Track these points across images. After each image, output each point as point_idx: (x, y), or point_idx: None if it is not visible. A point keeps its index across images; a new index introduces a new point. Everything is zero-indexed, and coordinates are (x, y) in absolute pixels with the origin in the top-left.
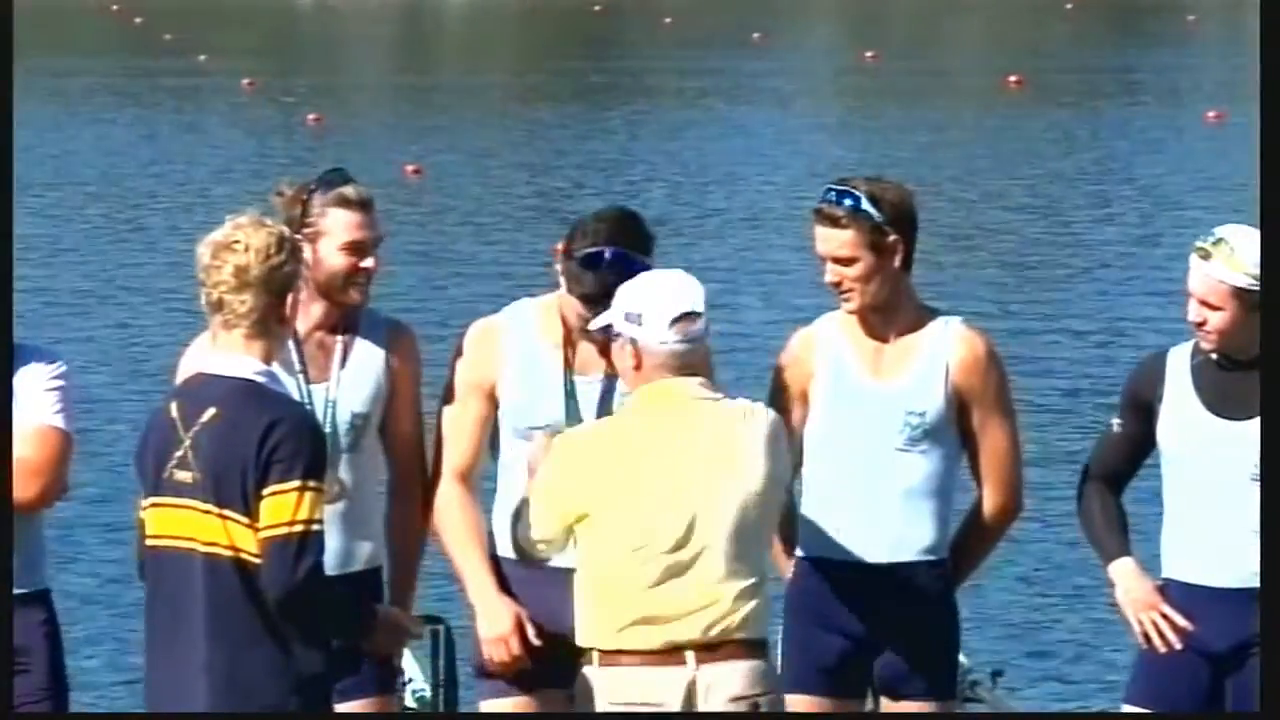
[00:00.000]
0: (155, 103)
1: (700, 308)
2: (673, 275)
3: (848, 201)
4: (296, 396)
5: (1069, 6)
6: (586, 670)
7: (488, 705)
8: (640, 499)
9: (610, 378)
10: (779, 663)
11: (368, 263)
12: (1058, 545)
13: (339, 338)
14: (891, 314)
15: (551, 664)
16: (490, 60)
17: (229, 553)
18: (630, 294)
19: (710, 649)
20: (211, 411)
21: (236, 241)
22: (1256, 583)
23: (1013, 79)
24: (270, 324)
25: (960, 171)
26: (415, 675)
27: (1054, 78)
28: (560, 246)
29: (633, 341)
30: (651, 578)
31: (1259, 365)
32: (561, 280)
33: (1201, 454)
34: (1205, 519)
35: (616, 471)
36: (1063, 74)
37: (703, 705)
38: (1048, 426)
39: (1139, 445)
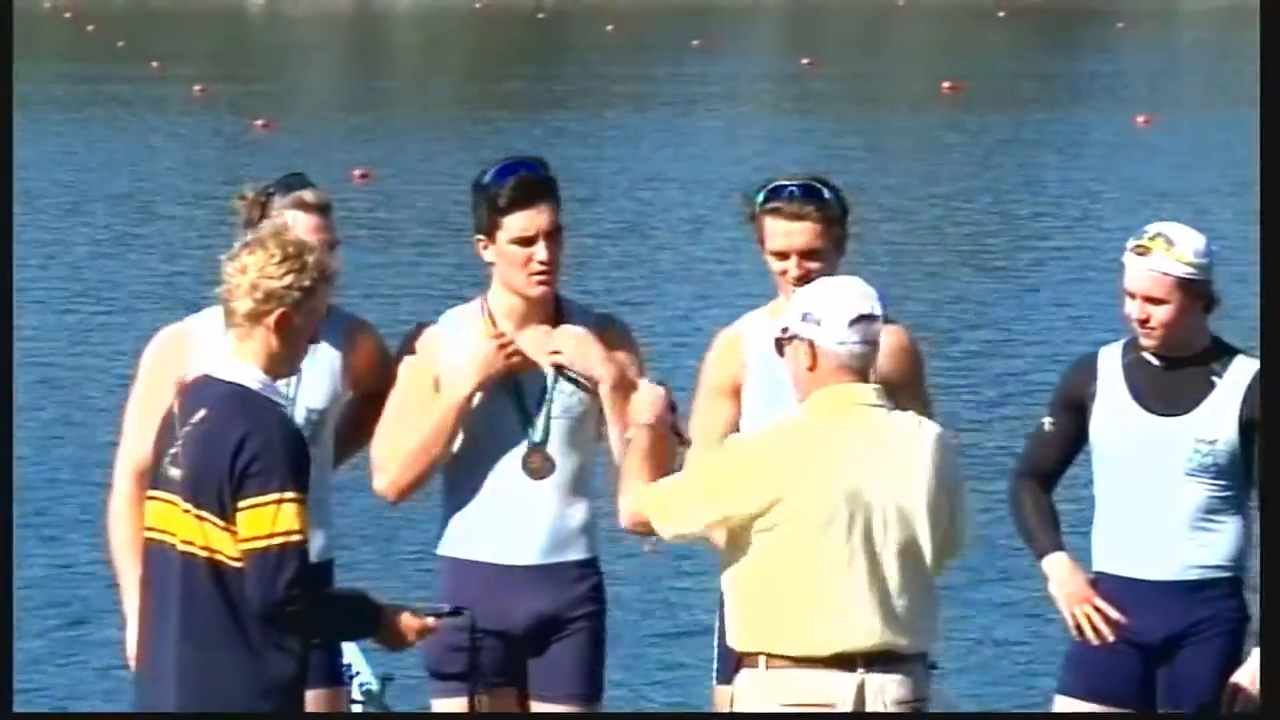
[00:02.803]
0: (106, 109)
1: (879, 311)
2: (850, 280)
3: (810, 193)
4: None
5: (1001, 15)
6: (752, 672)
7: (438, 704)
8: (819, 506)
9: (555, 369)
10: (714, 653)
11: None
12: (988, 538)
13: None
14: None
15: (500, 662)
16: (437, 66)
17: (204, 553)
18: (808, 296)
19: (875, 655)
20: (202, 413)
21: (247, 246)
22: (1187, 575)
23: (947, 85)
24: (258, 329)
25: (895, 175)
26: (362, 669)
27: (988, 83)
28: (479, 233)
29: (810, 343)
30: (827, 585)
31: (1190, 362)
32: (493, 259)
33: (1134, 450)
34: (1137, 513)
35: (795, 477)
36: (996, 80)
37: (871, 707)
38: (977, 425)
39: (1070, 443)
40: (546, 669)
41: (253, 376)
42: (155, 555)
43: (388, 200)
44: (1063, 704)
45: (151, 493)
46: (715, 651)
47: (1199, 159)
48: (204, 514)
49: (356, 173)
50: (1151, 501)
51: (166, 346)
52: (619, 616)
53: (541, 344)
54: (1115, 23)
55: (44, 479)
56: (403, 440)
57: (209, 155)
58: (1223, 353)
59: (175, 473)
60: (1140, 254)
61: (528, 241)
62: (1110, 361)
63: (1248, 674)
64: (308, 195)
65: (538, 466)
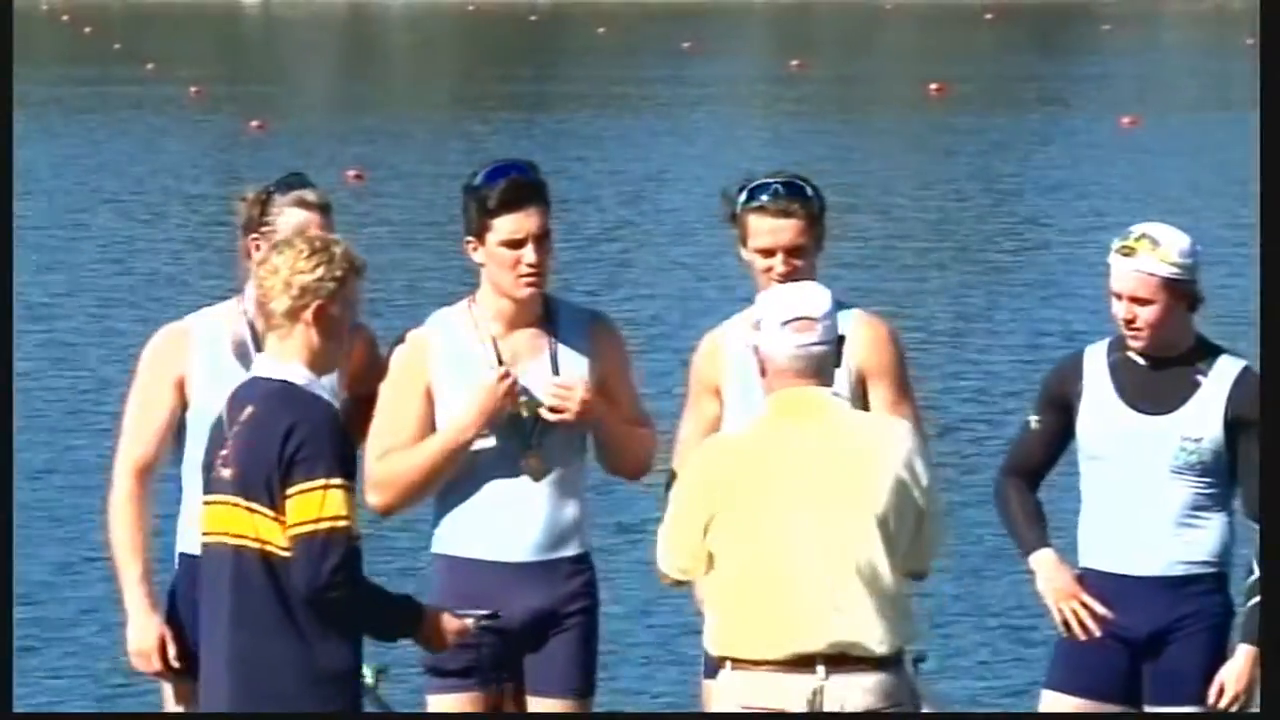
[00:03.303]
0: (104, 110)
1: (816, 314)
2: (799, 285)
3: (795, 190)
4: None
5: (988, 17)
6: (721, 674)
7: (434, 700)
8: (770, 508)
9: (553, 363)
10: (702, 649)
11: None
12: (975, 533)
13: None
14: None
15: (497, 658)
16: (430, 67)
17: (255, 545)
18: (759, 299)
19: (840, 660)
20: (249, 411)
21: (276, 247)
22: (1172, 571)
23: (934, 87)
24: (296, 326)
25: (882, 176)
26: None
27: (974, 86)
28: (469, 235)
29: (756, 349)
30: (781, 587)
31: (1176, 361)
32: (483, 261)
33: (1120, 448)
34: (1124, 510)
35: (746, 479)
36: (983, 82)
37: (830, 710)
38: (964, 423)
39: (1056, 440)
40: (543, 664)
41: (296, 373)
42: (212, 557)
43: (381, 200)
44: (1049, 699)
45: (207, 498)
46: (704, 648)
47: (1184, 159)
48: (254, 506)
49: (350, 173)
50: (1137, 499)
51: (164, 346)
52: (615, 612)
53: (534, 346)
54: (1100, 25)
55: (43, 478)
56: (400, 462)
57: (205, 156)
58: (1207, 352)
59: (226, 473)
60: (1126, 255)
61: (517, 244)
62: (1096, 361)
63: (1233, 669)
64: (308, 194)
65: (536, 468)
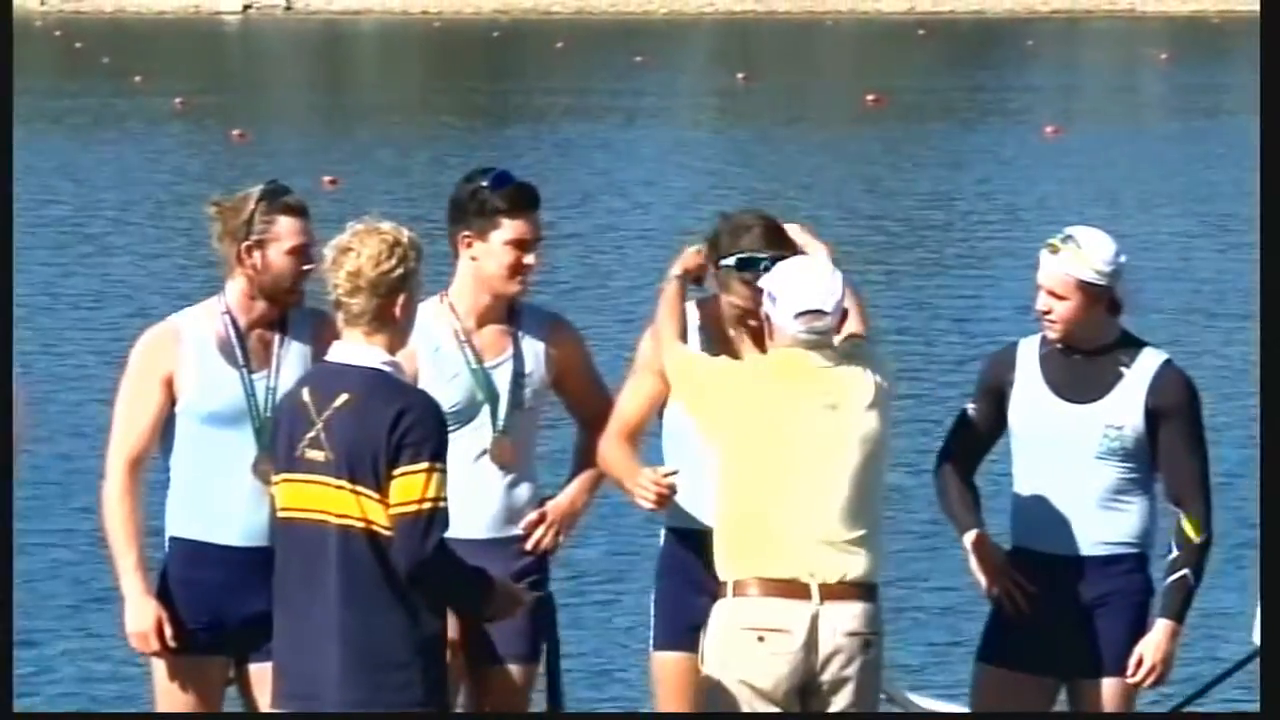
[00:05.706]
0: (94, 121)
1: (828, 307)
2: (816, 269)
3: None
4: (241, 387)
5: (921, 33)
6: (722, 601)
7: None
8: (765, 444)
9: (517, 358)
10: (650, 622)
11: (310, 264)
12: (919, 517)
13: (276, 333)
14: None
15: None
16: (399, 80)
17: (361, 524)
18: (778, 272)
19: (831, 587)
20: (344, 397)
21: (350, 248)
22: (1097, 551)
23: (872, 98)
24: (386, 320)
25: (822, 184)
26: None
27: (909, 97)
28: (468, 231)
29: (767, 316)
30: (773, 516)
31: (1101, 354)
32: (475, 256)
33: (1048, 434)
34: (1052, 493)
35: (746, 411)
36: (917, 94)
37: (823, 637)
38: (903, 419)
39: (991, 427)
40: (495, 633)
41: (384, 360)
42: (300, 533)
43: (356, 204)
44: (981, 671)
45: (287, 476)
46: (652, 620)
47: (1104, 166)
48: (360, 488)
49: (326, 179)
50: (1065, 482)
51: (153, 343)
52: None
53: (500, 343)
54: (1025, 40)
55: (39, 479)
56: None
57: (190, 164)
58: (1131, 345)
59: (318, 455)
60: (1052, 252)
61: (521, 245)
62: (1028, 352)
63: (1152, 642)
64: (292, 200)
65: (503, 454)
